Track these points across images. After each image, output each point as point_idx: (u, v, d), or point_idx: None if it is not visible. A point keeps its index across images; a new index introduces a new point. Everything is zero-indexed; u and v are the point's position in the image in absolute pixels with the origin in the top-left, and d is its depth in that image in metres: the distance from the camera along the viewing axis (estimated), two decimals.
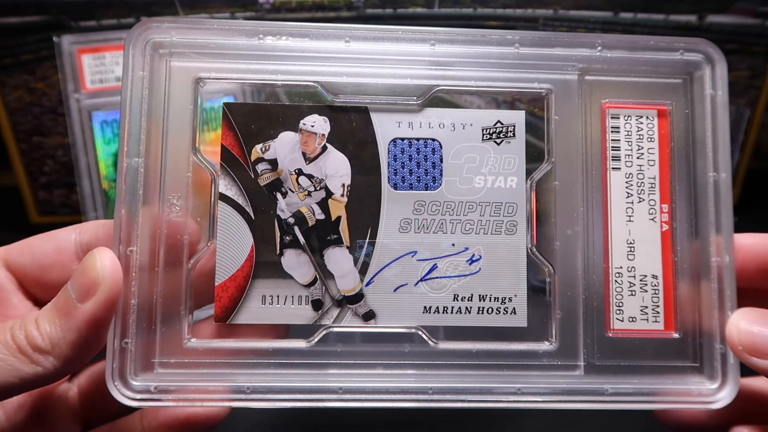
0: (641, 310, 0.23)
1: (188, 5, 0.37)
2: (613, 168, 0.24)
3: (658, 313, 0.23)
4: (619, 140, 0.24)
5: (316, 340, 0.22)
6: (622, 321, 0.23)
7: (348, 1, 0.38)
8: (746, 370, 0.22)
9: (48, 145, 0.40)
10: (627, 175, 0.24)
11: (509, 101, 0.25)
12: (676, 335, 0.23)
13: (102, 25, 0.38)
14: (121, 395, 0.20)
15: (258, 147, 0.23)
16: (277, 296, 0.22)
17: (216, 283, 0.22)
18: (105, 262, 0.19)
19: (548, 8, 0.38)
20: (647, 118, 0.24)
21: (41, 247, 0.22)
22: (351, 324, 0.22)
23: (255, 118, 0.23)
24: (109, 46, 0.36)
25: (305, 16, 0.38)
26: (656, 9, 0.38)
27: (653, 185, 0.24)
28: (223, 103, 0.23)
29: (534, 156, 0.24)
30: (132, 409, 0.21)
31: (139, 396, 0.20)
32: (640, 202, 0.24)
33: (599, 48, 0.24)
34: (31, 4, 0.37)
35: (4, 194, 0.43)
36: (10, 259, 0.22)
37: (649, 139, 0.24)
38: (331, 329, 0.22)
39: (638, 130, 0.24)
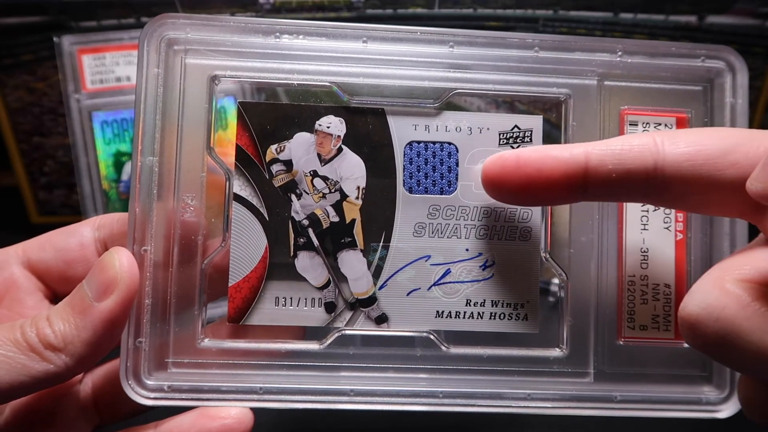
0: (653, 319, 0.23)
1: (189, 6, 0.37)
2: None
3: (669, 322, 0.23)
4: None
5: (329, 342, 0.22)
6: (633, 329, 0.23)
7: (348, 2, 0.37)
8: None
9: (48, 145, 0.40)
10: None
11: (521, 105, 0.25)
12: (686, 344, 0.23)
13: (102, 25, 0.37)
14: (136, 394, 0.20)
15: (273, 147, 0.23)
16: (290, 298, 0.22)
17: (229, 284, 0.22)
18: (123, 261, 0.19)
19: (548, 9, 0.38)
20: (666, 125, 0.24)
21: (65, 242, 0.22)
22: (363, 327, 0.23)
23: (270, 118, 0.23)
24: (109, 46, 0.36)
25: (305, 17, 0.38)
26: (656, 9, 0.38)
27: None
28: (238, 102, 0.23)
29: None
30: (144, 410, 0.21)
31: (153, 395, 0.21)
32: (655, 210, 0.24)
33: (619, 53, 0.23)
34: (31, 4, 0.36)
35: (4, 194, 0.42)
36: (31, 256, 0.22)
37: None
38: (343, 332, 0.22)
39: None
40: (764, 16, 0.38)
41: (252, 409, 0.21)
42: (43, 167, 0.41)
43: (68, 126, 0.36)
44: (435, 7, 0.38)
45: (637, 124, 0.24)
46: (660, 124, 0.24)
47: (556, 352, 0.23)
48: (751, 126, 0.44)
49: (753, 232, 0.23)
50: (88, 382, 0.23)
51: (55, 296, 0.22)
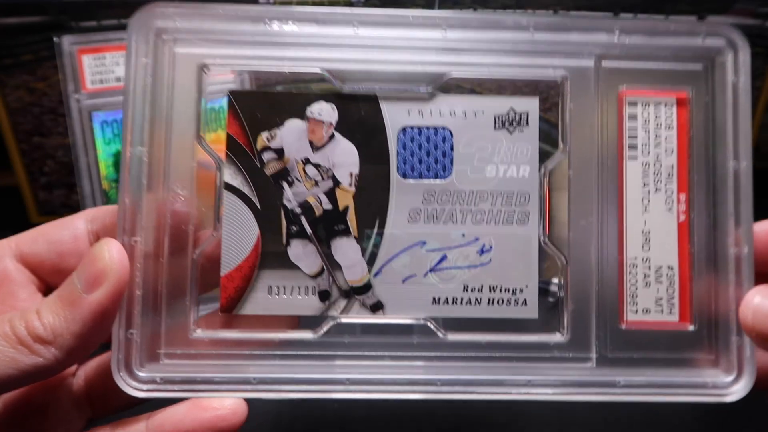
0: (656, 302, 0.23)
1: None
2: (629, 157, 0.23)
3: (673, 304, 0.23)
4: (636, 128, 0.23)
5: (324, 331, 0.22)
6: (636, 313, 0.23)
7: (348, 1, 0.37)
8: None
9: (48, 145, 0.40)
10: (644, 164, 0.23)
11: (522, 88, 0.25)
12: (691, 327, 0.22)
13: (102, 25, 0.37)
14: (128, 386, 0.20)
15: (264, 135, 0.22)
16: (284, 287, 0.22)
17: (221, 274, 0.22)
18: (113, 253, 0.19)
19: (548, 9, 0.37)
20: (666, 105, 0.23)
21: (58, 235, 0.22)
22: (358, 315, 0.22)
23: (260, 105, 0.22)
24: (109, 46, 0.36)
25: None
26: (656, 9, 0.38)
27: (671, 175, 0.23)
28: (229, 91, 0.22)
29: (548, 144, 0.23)
30: (138, 402, 0.21)
31: (145, 387, 0.20)
32: (656, 191, 0.23)
33: (618, 33, 0.23)
34: (31, 4, 0.37)
35: (4, 194, 0.43)
36: (23, 249, 0.22)
37: (667, 128, 0.23)
38: (338, 320, 0.22)
39: (656, 118, 0.23)
40: (764, 16, 0.38)
41: (246, 399, 0.20)
42: (43, 167, 0.41)
43: (68, 126, 0.36)
44: (435, 7, 0.38)
45: (636, 105, 0.23)
46: (660, 104, 0.23)
47: (556, 338, 0.22)
48: (751, 126, 0.44)
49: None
50: (80, 375, 0.22)
51: (48, 289, 0.22)
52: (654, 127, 0.23)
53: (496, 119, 0.23)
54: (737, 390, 0.21)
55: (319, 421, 0.28)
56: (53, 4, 0.36)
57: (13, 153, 0.41)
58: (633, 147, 0.23)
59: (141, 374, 0.20)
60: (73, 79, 0.36)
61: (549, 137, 0.23)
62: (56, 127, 0.40)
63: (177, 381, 0.21)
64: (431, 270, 0.22)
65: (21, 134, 0.40)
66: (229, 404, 0.20)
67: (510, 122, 0.23)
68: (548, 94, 0.23)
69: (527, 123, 0.23)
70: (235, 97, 0.22)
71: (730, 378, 0.22)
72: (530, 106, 0.23)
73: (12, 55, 0.38)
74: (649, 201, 0.23)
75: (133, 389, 0.20)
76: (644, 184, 0.23)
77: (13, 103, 0.39)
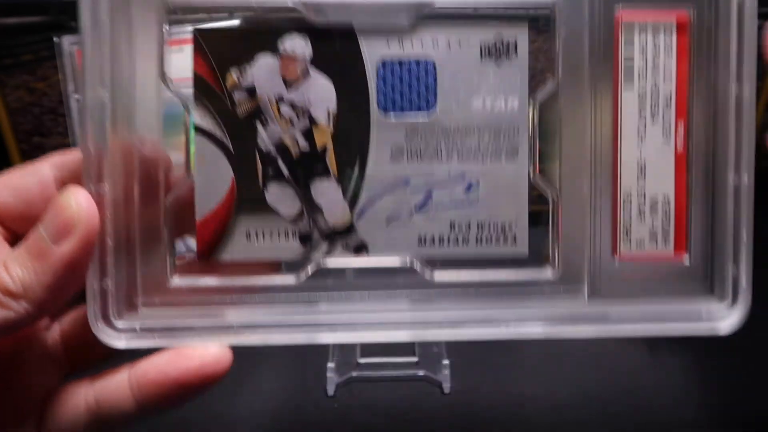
0: (650, 234, 0.22)
1: None
2: (625, 85, 0.22)
3: (668, 236, 0.22)
4: (632, 55, 0.22)
5: (306, 274, 0.21)
6: (630, 246, 0.22)
7: None
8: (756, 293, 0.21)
9: (48, 145, 0.40)
10: (640, 93, 0.22)
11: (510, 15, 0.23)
12: (686, 259, 0.22)
13: None
14: (106, 336, 0.20)
15: (234, 74, 0.21)
16: (263, 232, 0.21)
17: (197, 219, 0.21)
18: (80, 201, 0.18)
19: None
20: (665, 28, 0.22)
21: (24, 182, 0.21)
22: (341, 257, 0.21)
23: (229, 42, 0.21)
24: None
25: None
26: None
27: (668, 103, 0.22)
28: (194, 29, 0.21)
29: (537, 74, 0.22)
30: (116, 354, 0.20)
31: (124, 336, 0.20)
32: (654, 122, 0.22)
33: None
34: (31, 4, 0.36)
35: None
36: None
37: (666, 53, 0.22)
38: (320, 263, 0.21)
39: (654, 43, 0.22)
40: (764, 16, 0.35)
41: (234, 361, 0.20)
42: None
43: (68, 126, 0.36)
44: None
45: (633, 29, 0.22)
46: (659, 28, 0.22)
47: (547, 273, 0.22)
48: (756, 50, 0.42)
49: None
50: (56, 329, 0.22)
51: (15, 238, 0.21)
52: (652, 53, 0.22)
53: (483, 49, 0.21)
54: (731, 320, 0.21)
55: (318, 424, 0.28)
56: (53, 4, 0.36)
57: (13, 153, 0.40)
58: (629, 74, 0.22)
59: (119, 324, 0.20)
60: (73, 79, 0.36)
61: (539, 67, 0.22)
62: (56, 127, 0.39)
63: (157, 329, 0.20)
64: (416, 209, 0.21)
65: (21, 134, 0.40)
66: (213, 351, 0.19)
67: (497, 52, 0.21)
68: (538, 19, 0.22)
69: (516, 52, 0.21)
70: (200, 34, 0.21)
71: (724, 307, 0.21)
72: (519, 34, 0.21)
73: (12, 55, 0.38)
74: (645, 131, 0.22)
75: (111, 339, 0.20)
76: (641, 114, 0.22)
77: (13, 103, 0.39)
